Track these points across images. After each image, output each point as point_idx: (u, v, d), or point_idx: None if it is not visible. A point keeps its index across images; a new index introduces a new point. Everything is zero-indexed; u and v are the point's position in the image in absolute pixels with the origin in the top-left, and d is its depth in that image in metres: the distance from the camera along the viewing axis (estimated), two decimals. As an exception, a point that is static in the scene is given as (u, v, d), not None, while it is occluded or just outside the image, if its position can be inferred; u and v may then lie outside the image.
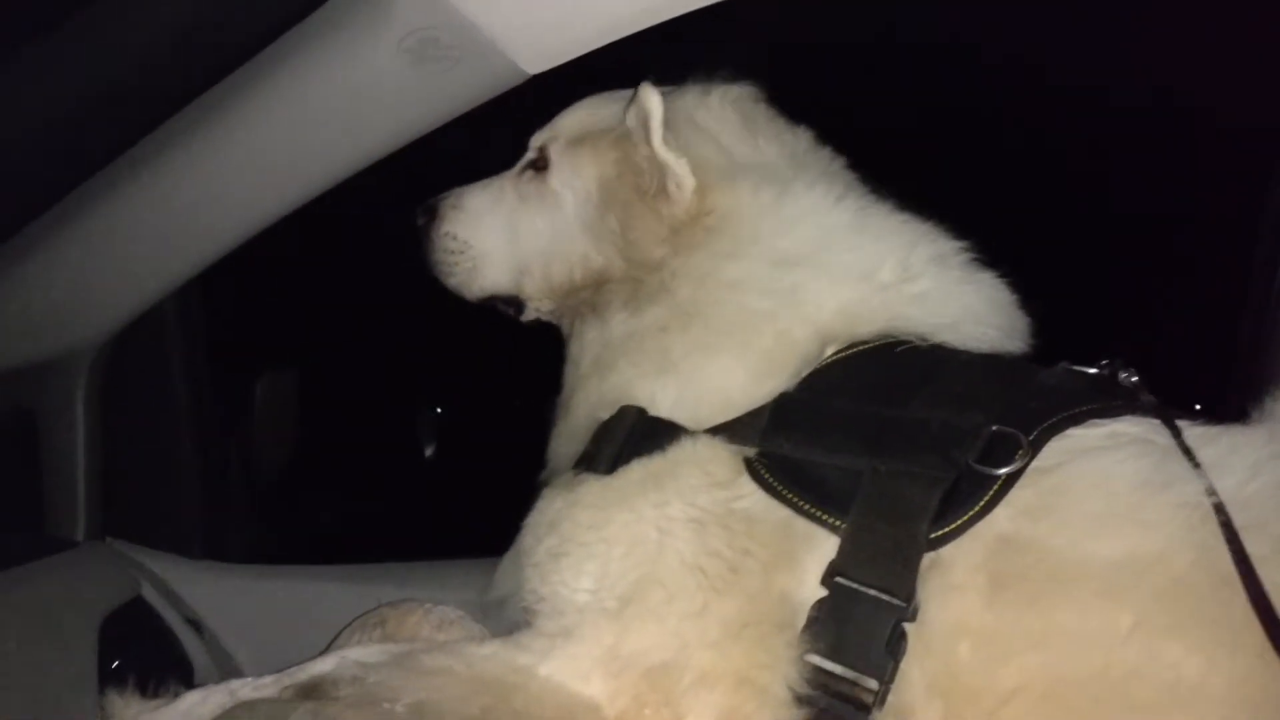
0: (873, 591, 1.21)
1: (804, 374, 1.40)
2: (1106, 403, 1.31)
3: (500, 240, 1.76)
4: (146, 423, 2.10)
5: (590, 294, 1.65)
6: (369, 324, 2.57)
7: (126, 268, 1.83)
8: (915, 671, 1.20)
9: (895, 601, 1.20)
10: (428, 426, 2.66)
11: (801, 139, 1.69)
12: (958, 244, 1.56)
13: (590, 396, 1.54)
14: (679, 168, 1.53)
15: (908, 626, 1.21)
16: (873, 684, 1.20)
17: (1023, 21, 2.43)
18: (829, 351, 1.42)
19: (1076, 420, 1.27)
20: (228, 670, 1.98)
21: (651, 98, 1.53)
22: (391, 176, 1.79)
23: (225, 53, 1.59)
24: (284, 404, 2.30)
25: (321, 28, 1.54)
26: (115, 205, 1.71)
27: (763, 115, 1.69)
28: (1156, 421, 1.27)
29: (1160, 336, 2.41)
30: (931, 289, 1.48)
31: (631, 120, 1.58)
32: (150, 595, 1.92)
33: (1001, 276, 1.57)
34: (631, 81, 1.69)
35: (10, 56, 1.50)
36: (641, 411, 1.43)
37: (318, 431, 2.47)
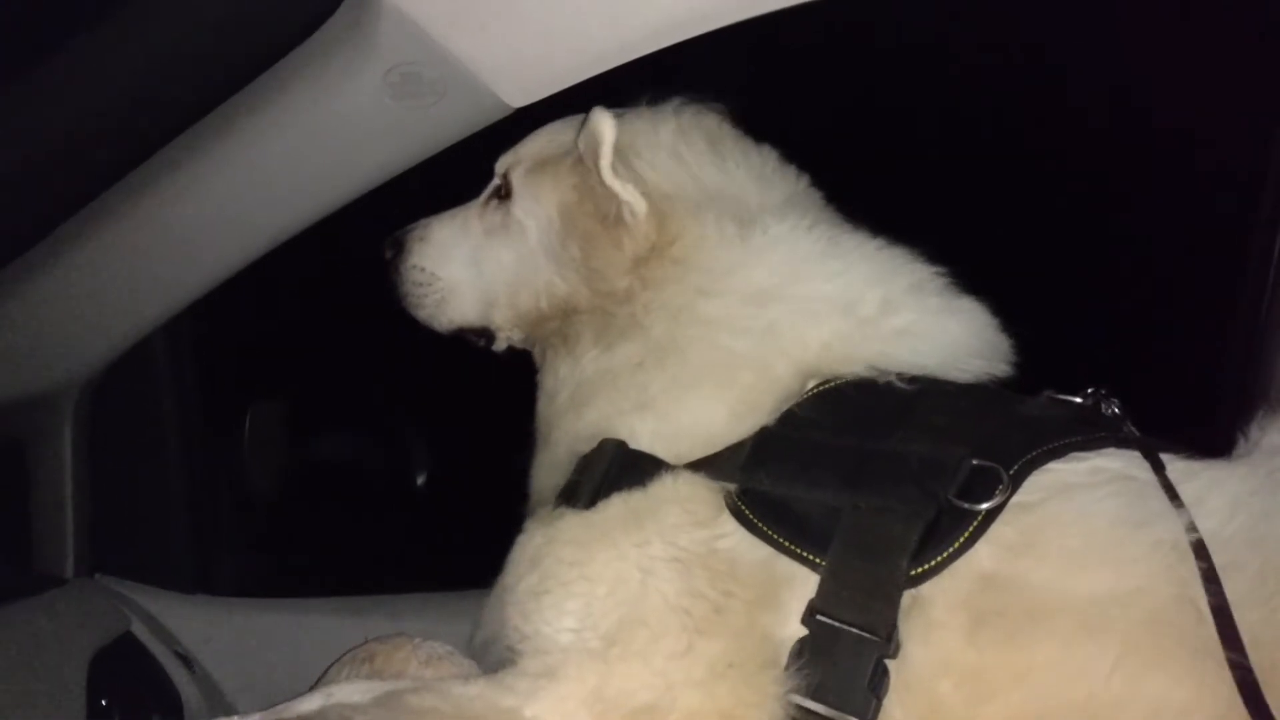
0: (853, 629, 1.20)
1: (784, 408, 1.40)
2: (1088, 435, 1.30)
3: (467, 272, 1.74)
4: (136, 455, 2.10)
5: (559, 324, 1.63)
6: (359, 352, 2.57)
7: (114, 300, 1.84)
8: (898, 710, 1.20)
9: (875, 638, 1.19)
10: (419, 455, 2.65)
11: (768, 159, 1.67)
12: (933, 269, 1.55)
13: (569, 430, 1.53)
14: (627, 194, 1.51)
15: (890, 664, 1.20)
16: None
17: (1004, 31, 2.42)
18: (810, 385, 1.42)
19: (1057, 454, 1.27)
20: (218, 705, 1.98)
21: (604, 123, 1.51)
22: (381, 205, 1.80)
23: (211, 87, 1.60)
24: (274, 434, 2.30)
25: (306, 64, 1.55)
26: (102, 239, 1.73)
27: (729, 136, 1.67)
28: (1138, 455, 1.27)
29: (1148, 358, 2.40)
30: (913, 322, 1.47)
31: (582, 146, 1.56)
32: (140, 631, 1.91)
33: (983, 297, 1.55)
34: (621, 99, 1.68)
35: (-5, 92, 1.51)
36: (621, 444, 1.42)
37: (308, 461, 2.47)
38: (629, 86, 1.64)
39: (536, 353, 1.73)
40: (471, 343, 1.83)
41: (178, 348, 2.08)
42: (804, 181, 1.68)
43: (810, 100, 2.46)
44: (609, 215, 1.55)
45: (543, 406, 1.65)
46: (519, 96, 1.57)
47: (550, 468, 1.54)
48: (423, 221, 1.83)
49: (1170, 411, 1.46)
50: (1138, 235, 2.50)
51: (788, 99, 2.30)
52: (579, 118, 1.68)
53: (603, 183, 1.52)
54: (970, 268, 1.58)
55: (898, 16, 2.33)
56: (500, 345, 1.79)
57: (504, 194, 1.71)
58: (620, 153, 1.53)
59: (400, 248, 1.81)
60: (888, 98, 2.51)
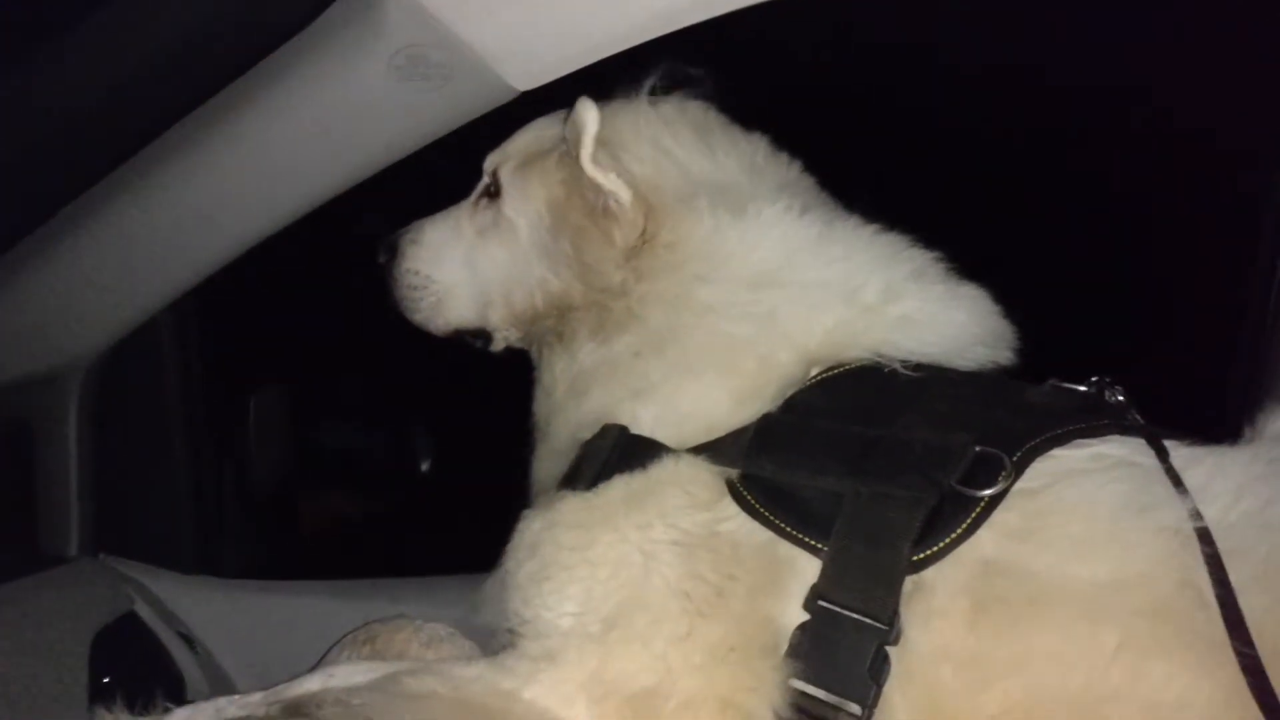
0: (854, 615, 1.20)
1: (787, 395, 1.39)
2: (1092, 422, 1.30)
3: (461, 273, 1.74)
4: (141, 437, 2.10)
5: (555, 321, 1.63)
6: (364, 337, 2.57)
7: (120, 282, 1.84)
8: (898, 697, 1.20)
9: (877, 625, 1.19)
10: (424, 441, 2.65)
11: (758, 146, 1.66)
12: (932, 255, 1.54)
13: (570, 420, 1.52)
14: (610, 183, 1.50)
15: (890, 650, 1.20)
16: (855, 709, 1.19)
17: (1015, 22, 2.41)
18: (813, 372, 1.41)
19: (1061, 441, 1.27)
20: (220, 685, 1.98)
21: (588, 113, 1.51)
22: (386, 191, 1.80)
23: (218, 69, 1.59)
24: (279, 419, 2.30)
25: (313, 45, 1.55)
26: (108, 220, 1.72)
27: (717, 125, 1.66)
28: (1142, 442, 1.27)
29: (1155, 348, 2.40)
30: (916, 308, 1.46)
31: (568, 136, 1.56)
32: (143, 611, 1.92)
33: (992, 287, 1.55)
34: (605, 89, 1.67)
35: (2, 72, 1.51)
36: (623, 429, 1.42)
37: (313, 446, 2.47)
38: (631, 73, 1.63)
39: (534, 351, 1.72)
40: (469, 344, 1.82)
41: (184, 330, 2.08)
42: (796, 168, 1.67)
43: (824, 87, 2.46)
44: (597, 208, 1.54)
45: (540, 403, 1.65)
46: (525, 80, 1.56)
47: (551, 457, 1.54)
48: (415, 224, 1.82)
49: (1177, 401, 1.45)
50: (1146, 225, 2.50)
51: (790, 86, 2.29)
52: (564, 113, 1.67)
53: (585, 173, 1.51)
54: (980, 257, 1.57)
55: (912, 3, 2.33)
56: (497, 345, 1.78)
57: (493, 192, 1.71)
58: (606, 145, 1.53)
59: (393, 251, 1.81)
60: (901, 85, 2.50)
